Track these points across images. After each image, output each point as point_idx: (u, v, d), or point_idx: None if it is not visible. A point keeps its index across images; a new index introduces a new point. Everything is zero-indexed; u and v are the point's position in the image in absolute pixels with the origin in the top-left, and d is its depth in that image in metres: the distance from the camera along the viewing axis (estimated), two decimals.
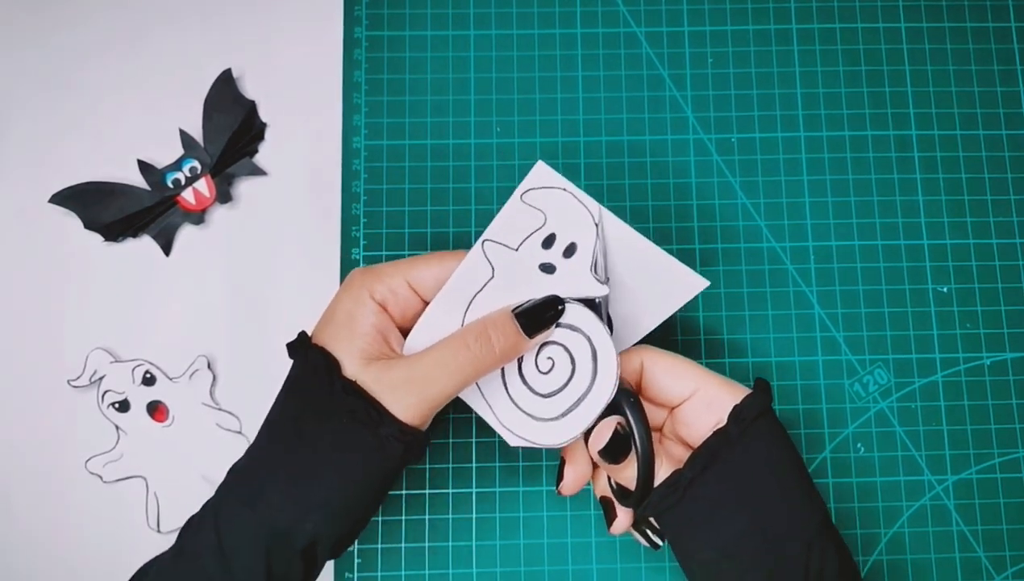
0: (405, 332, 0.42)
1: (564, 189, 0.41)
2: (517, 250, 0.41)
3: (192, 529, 0.39)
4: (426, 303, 0.42)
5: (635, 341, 0.44)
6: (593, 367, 0.41)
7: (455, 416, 0.51)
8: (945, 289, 0.52)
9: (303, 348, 0.41)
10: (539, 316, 0.40)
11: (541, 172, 0.41)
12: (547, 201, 0.41)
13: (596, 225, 0.41)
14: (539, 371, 0.41)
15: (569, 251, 0.41)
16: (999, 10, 0.56)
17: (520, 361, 0.42)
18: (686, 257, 0.52)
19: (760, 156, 0.54)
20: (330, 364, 0.39)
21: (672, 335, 0.51)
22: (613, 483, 0.43)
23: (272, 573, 0.37)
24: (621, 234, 0.43)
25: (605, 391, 0.40)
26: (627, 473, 0.40)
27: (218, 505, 0.39)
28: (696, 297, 0.51)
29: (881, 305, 0.52)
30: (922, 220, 0.53)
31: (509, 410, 0.41)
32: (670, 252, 0.52)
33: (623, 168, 0.53)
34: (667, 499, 0.40)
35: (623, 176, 0.53)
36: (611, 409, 0.41)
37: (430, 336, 0.41)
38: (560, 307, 0.41)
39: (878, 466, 0.50)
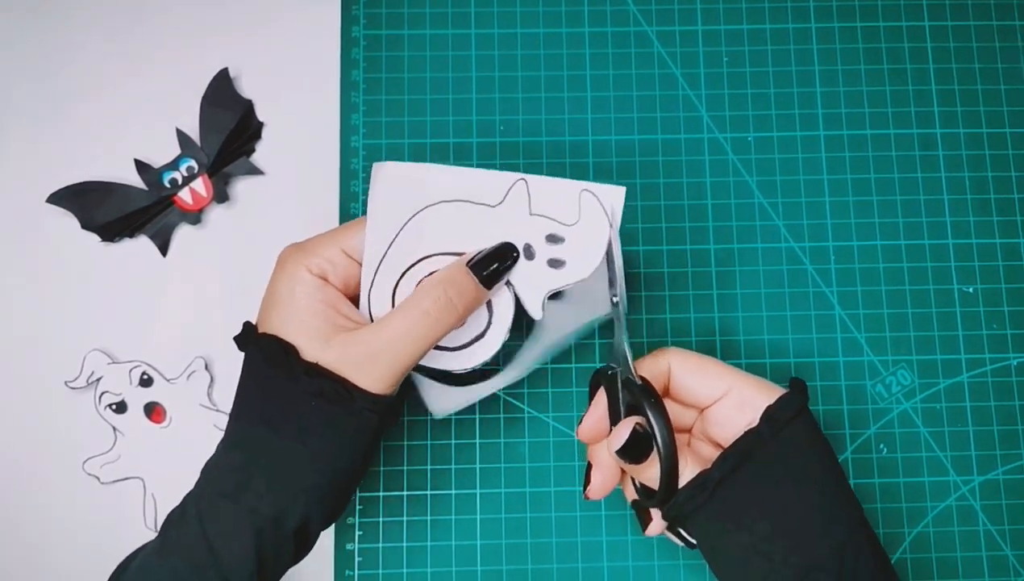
0: (351, 298, 0.50)
1: (611, 226, 0.50)
2: (530, 215, 0.51)
3: (175, 521, 0.47)
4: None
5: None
6: (470, 339, 0.52)
7: (457, 418, 0.61)
8: (971, 289, 0.63)
9: (252, 338, 0.49)
10: (496, 265, 0.50)
11: (613, 196, 0.51)
12: (592, 216, 0.50)
13: (586, 278, 0.51)
14: None
15: (555, 264, 0.51)
16: None
17: None
18: (701, 257, 0.63)
19: (778, 155, 0.65)
20: (286, 350, 0.46)
21: (687, 337, 0.62)
22: (637, 483, 0.50)
23: (262, 557, 0.46)
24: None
25: (457, 362, 0.51)
26: (650, 473, 0.48)
27: (199, 499, 0.47)
28: (711, 298, 0.64)
29: (904, 306, 0.63)
30: (947, 219, 0.64)
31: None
32: (683, 253, 0.64)
33: (634, 167, 0.65)
34: (694, 499, 0.47)
35: (634, 175, 0.64)
36: (631, 410, 0.49)
37: (403, 183, 0.50)
38: (515, 255, 0.50)
39: (901, 467, 0.61)
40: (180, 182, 0.63)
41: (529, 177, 0.50)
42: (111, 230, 0.62)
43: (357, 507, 0.61)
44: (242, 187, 0.65)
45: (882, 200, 0.66)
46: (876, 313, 0.64)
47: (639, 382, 0.49)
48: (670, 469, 0.47)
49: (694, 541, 0.50)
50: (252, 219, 0.64)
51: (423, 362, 0.50)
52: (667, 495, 0.48)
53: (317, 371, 0.46)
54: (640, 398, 0.48)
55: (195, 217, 0.63)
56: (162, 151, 0.64)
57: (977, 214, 0.66)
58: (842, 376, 0.63)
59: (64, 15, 0.67)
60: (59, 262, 0.63)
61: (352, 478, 0.50)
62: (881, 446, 0.62)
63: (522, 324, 0.54)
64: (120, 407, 0.60)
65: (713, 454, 0.49)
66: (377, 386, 0.47)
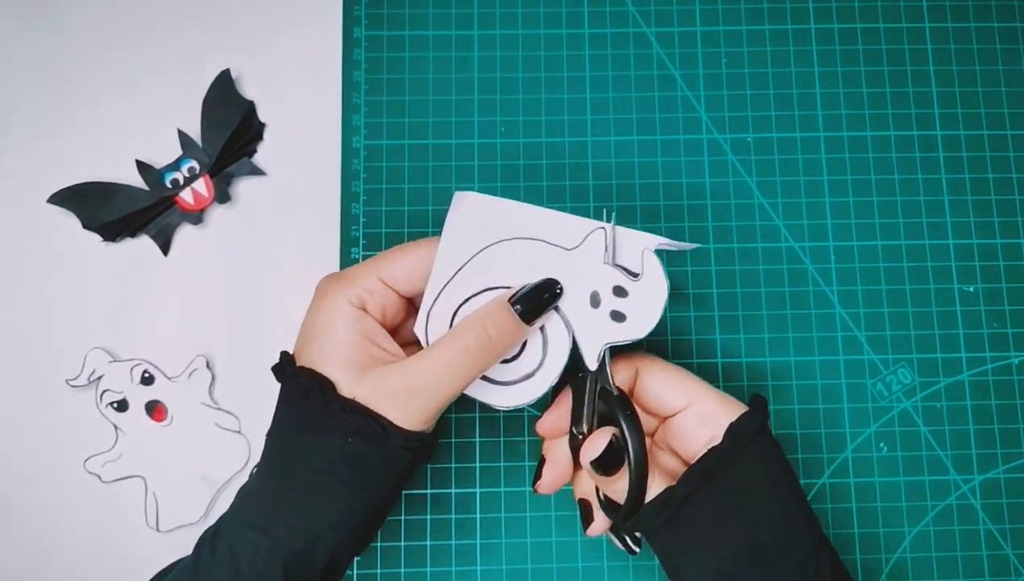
0: (390, 330, 0.50)
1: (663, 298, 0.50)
2: (603, 264, 0.50)
3: (207, 544, 0.47)
4: (403, 297, 0.50)
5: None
6: (519, 377, 0.51)
7: (457, 416, 0.61)
8: (972, 288, 0.64)
9: (290, 370, 0.49)
10: (537, 301, 0.49)
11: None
12: (652, 276, 0.50)
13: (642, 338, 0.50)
14: None
15: (617, 316, 0.50)
16: None
17: None
18: (700, 256, 0.64)
19: (778, 156, 0.66)
20: (323, 385, 0.46)
21: (687, 335, 0.63)
22: (601, 495, 0.51)
23: None
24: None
25: (502, 399, 0.51)
26: (617, 486, 0.48)
27: (232, 526, 0.47)
28: (711, 297, 0.64)
29: (905, 304, 0.64)
30: (948, 220, 0.65)
31: None
32: (682, 252, 0.64)
33: (633, 167, 0.65)
34: (660, 516, 0.47)
35: (633, 175, 0.65)
36: (607, 420, 0.49)
37: (483, 214, 0.50)
38: (559, 291, 0.49)
39: (902, 466, 0.61)
40: (181, 183, 0.64)
41: (610, 226, 0.50)
42: (112, 230, 0.63)
43: None
44: (243, 187, 0.66)
45: (882, 201, 0.67)
46: (877, 312, 0.65)
47: (616, 392, 0.50)
48: (639, 484, 0.48)
49: (635, 548, 0.51)
50: (253, 219, 0.65)
51: (467, 392, 0.50)
52: (632, 510, 0.48)
53: (354, 408, 0.46)
54: (617, 410, 0.48)
55: (196, 217, 0.64)
56: (163, 152, 0.65)
57: (978, 215, 0.66)
58: (842, 374, 0.64)
59: (65, 17, 0.68)
60: (60, 261, 0.64)
61: (380, 513, 0.50)
62: (881, 445, 0.62)
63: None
64: (121, 405, 0.61)
65: (672, 464, 0.50)
66: (412, 422, 0.47)
